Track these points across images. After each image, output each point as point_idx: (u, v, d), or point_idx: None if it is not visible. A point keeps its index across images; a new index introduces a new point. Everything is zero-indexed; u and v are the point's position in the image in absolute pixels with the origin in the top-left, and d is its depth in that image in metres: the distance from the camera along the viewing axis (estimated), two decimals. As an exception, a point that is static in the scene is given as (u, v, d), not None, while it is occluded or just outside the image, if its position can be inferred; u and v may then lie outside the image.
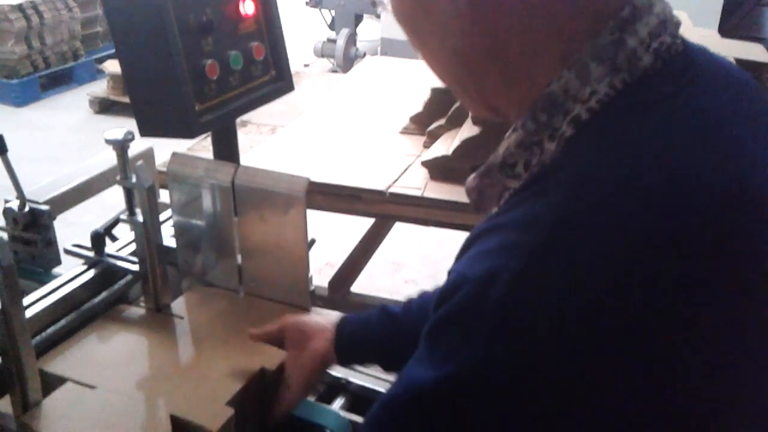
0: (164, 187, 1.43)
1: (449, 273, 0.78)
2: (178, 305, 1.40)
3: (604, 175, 0.69)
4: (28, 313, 1.22)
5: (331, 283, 2.69)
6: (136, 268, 1.35)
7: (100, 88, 6.06)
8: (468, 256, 0.75)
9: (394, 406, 0.81)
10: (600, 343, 0.66)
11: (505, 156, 0.80)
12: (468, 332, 0.71)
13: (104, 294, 1.38)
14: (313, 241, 1.37)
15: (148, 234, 1.28)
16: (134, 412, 1.12)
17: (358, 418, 1.31)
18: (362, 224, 3.09)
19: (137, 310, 1.38)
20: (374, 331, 1.22)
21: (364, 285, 3.03)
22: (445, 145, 2.02)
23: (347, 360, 1.28)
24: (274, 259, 1.35)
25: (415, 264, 3.94)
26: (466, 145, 1.89)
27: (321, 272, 3.27)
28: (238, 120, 1.58)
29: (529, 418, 0.70)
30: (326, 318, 1.28)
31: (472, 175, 0.87)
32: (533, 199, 0.72)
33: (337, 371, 1.51)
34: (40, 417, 1.11)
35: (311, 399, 1.36)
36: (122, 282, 1.42)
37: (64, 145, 5.27)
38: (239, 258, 1.39)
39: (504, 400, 0.70)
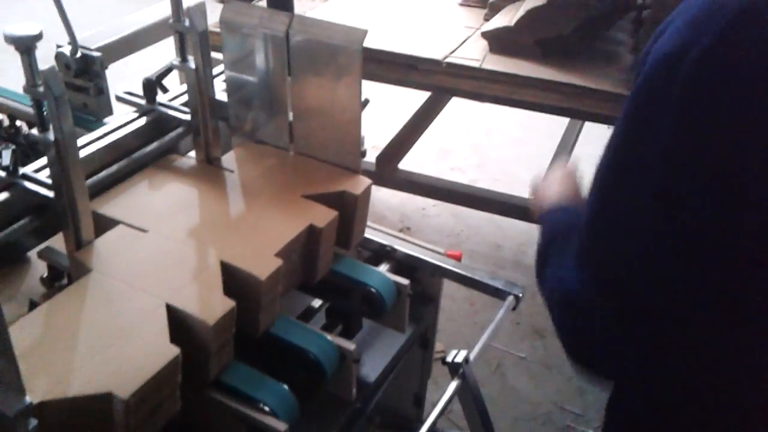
0: (216, 49, 1.38)
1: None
2: (228, 159, 1.38)
3: None
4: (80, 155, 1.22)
5: (379, 158, 2.65)
6: (187, 117, 1.33)
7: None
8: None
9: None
10: None
11: None
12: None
13: (155, 144, 1.37)
14: (366, 101, 1.32)
15: (199, 82, 1.25)
16: (185, 256, 1.12)
17: (403, 281, 1.30)
18: (409, 108, 3.03)
19: (188, 161, 1.37)
20: None
21: (410, 168, 2.99)
22: (508, 17, 1.91)
23: None
24: (326, 118, 1.31)
25: (463, 152, 3.88)
26: (530, 16, 1.79)
27: (366, 154, 3.24)
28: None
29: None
30: None
31: None
32: None
33: (383, 238, 1.50)
34: (92, 254, 1.12)
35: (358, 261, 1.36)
36: (173, 134, 1.40)
37: None
38: (291, 116, 1.36)
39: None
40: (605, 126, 2.06)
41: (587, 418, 2.33)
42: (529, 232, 3.17)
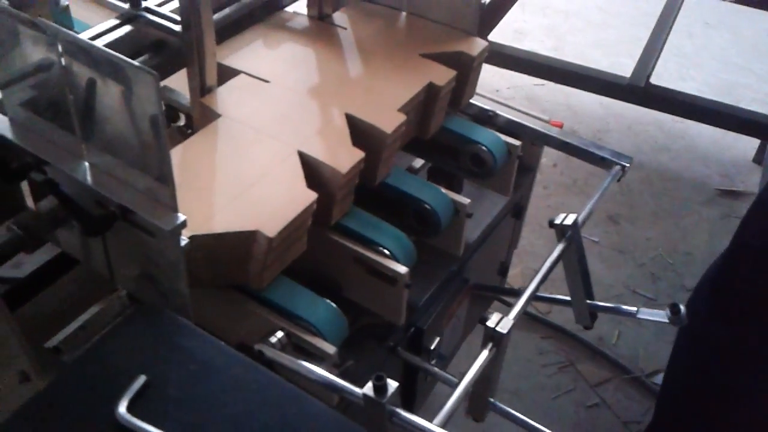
0: None
1: None
2: (339, 17, 1.38)
3: None
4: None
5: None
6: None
7: None
8: None
9: None
10: None
11: None
12: None
13: None
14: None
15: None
16: (310, 107, 1.15)
17: (514, 141, 1.31)
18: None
19: (299, 18, 1.37)
20: None
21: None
22: None
23: None
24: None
25: (538, 35, 3.76)
26: None
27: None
28: None
29: None
30: None
31: None
32: None
33: (484, 103, 1.49)
34: (218, 100, 1.15)
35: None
36: None
37: None
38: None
39: None
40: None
41: (659, 303, 2.36)
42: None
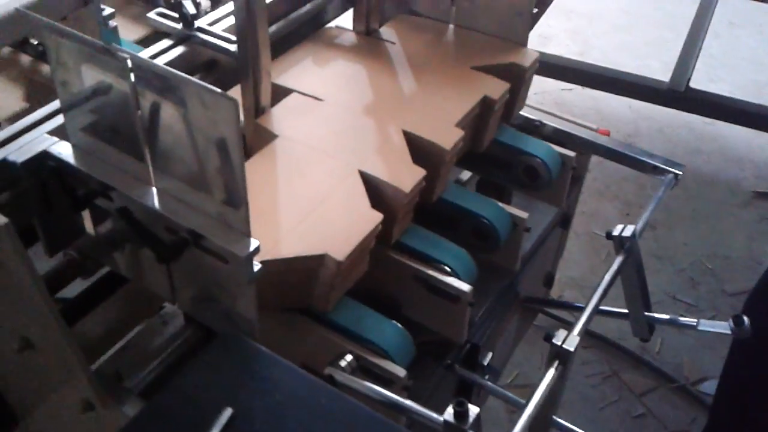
0: None
1: None
2: (387, 31, 1.36)
3: None
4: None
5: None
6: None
7: None
8: None
9: None
10: None
11: None
12: None
13: (308, 6, 1.34)
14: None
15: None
16: (366, 125, 1.13)
17: (569, 153, 1.29)
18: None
19: (346, 33, 1.36)
20: None
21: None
22: None
23: None
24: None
25: (563, 39, 3.74)
26: None
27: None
28: None
29: None
30: None
31: None
32: None
33: (530, 113, 1.47)
34: (273, 120, 1.14)
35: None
36: None
37: None
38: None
39: None
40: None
41: (700, 308, 2.33)
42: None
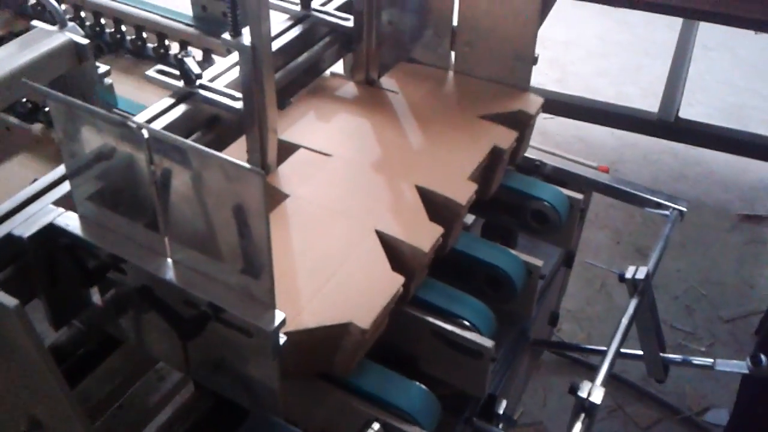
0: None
1: None
2: (387, 81, 1.35)
3: None
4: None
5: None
6: (350, 24, 1.28)
7: None
8: None
9: None
10: None
11: None
12: None
13: (305, 55, 1.31)
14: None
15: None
16: (376, 180, 1.12)
17: (576, 195, 1.29)
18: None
19: (347, 85, 1.35)
20: None
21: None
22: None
23: None
24: (496, 31, 1.26)
25: (541, 67, 3.76)
26: None
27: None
28: None
29: None
30: None
31: None
32: None
33: (532, 153, 1.47)
34: (281, 178, 1.12)
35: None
36: (321, 44, 1.34)
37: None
38: (456, 20, 1.30)
39: None
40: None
41: (698, 337, 2.33)
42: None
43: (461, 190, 1.08)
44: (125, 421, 1.14)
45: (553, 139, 3.24)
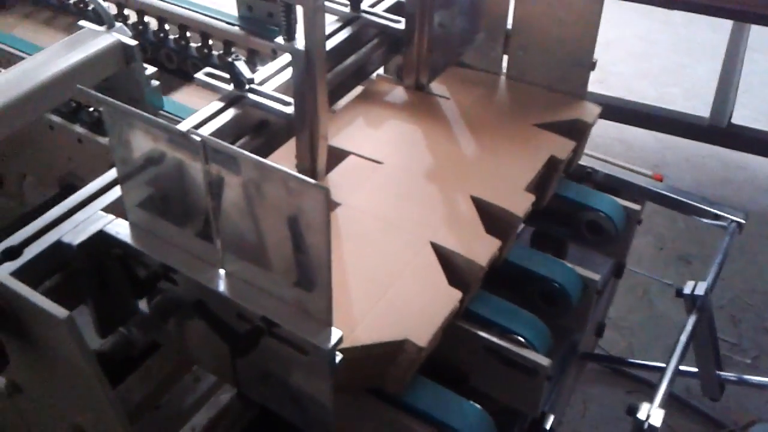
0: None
1: None
2: (437, 86, 1.32)
3: None
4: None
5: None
6: (401, 26, 1.24)
7: None
8: None
9: None
10: None
11: None
12: None
13: (353, 57, 1.28)
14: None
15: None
16: (430, 190, 1.08)
17: (634, 206, 1.25)
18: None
19: (396, 90, 1.31)
20: None
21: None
22: None
23: None
24: (553, 36, 1.22)
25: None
26: None
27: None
28: None
29: None
30: None
31: None
32: None
33: (583, 160, 1.42)
34: (332, 185, 1.09)
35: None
36: (369, 46, 1.31)
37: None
38: (510, 23, 1.26)
39: None
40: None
41: (743, 348, 2.27)
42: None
43: (518, 202, 1.04)
44: (162, 422, 1.13)
45: (593, 141, 3.17)
